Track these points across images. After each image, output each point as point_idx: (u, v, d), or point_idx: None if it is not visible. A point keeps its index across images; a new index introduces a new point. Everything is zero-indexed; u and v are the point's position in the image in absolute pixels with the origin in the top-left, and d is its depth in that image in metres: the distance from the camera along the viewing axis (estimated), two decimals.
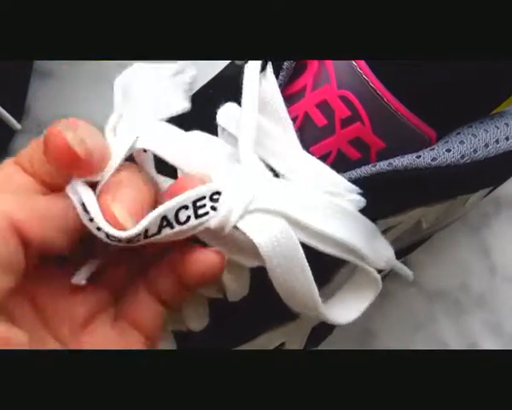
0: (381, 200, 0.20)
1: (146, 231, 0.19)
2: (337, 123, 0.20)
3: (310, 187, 0.20)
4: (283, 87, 0.21)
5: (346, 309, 0.21)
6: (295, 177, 0.20)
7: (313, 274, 0.20)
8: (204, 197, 0.19)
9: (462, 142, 0.20)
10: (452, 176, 0.20)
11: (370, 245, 0.20)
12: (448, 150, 0.20)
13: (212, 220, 0.19)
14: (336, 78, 0.20)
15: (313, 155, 0.21)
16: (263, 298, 0.21)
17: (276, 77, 0.21)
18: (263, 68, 0.21)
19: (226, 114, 0.21)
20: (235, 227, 0.20)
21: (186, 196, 0.19)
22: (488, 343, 0.32)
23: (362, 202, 0.20)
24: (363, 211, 0.20)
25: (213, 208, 0.19)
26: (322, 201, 0.20)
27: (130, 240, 0.19)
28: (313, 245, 0.20)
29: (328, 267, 0.22)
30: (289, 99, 0.21)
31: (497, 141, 0.20)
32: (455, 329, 0.32)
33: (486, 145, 0.20)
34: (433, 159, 0.20)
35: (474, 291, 0.32)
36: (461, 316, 0.32)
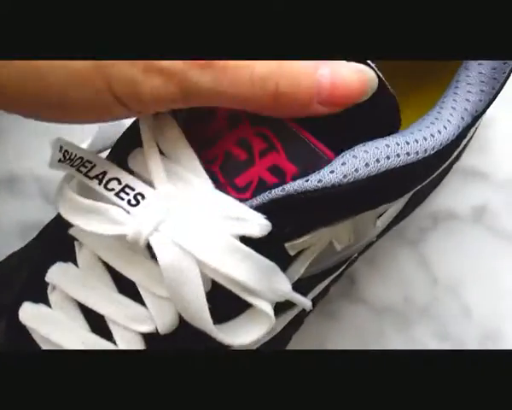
0: (282, 223, 0.22)
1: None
2: (256, 155, 0.22)
3: (216, 220, 0.21)
4: (197, 133, 0.22)
5: (237, 336, 0.23)
6: (201, 209, 0.21)
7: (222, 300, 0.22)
8: (134, 189, 0.21)
9: (343, 163, 0.21)
10: (338, 196, 0.21)
11: (264, 282, 0.22)
12: (332, 172, 0.21)
13: (129, 231, 0.21)
14: (247, 117, 0.22)
15: (238, 185, 0.22)
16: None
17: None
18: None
19: (135, 158, 0.23)
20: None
21: (126, 177, 0.22)
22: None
23: (268, 225, 0.21)
24: (270, 235, 0.21)
25: (129, 202, 0.21)
26: (224, 240, 0.21)
27: None
28: (213, 278, 0.21)
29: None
30: (207, 142, 0.22)
31: (377, 160, 0.21)
32: (404, 342, 0.33)
33: (367, 165, 0.21)
34: (319, 181, 0.21)
35: (418, 303, 0.33)
36: (409, 328, 0.33)
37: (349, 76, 0.20)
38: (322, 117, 0.21)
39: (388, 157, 0.21)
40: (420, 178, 0.24)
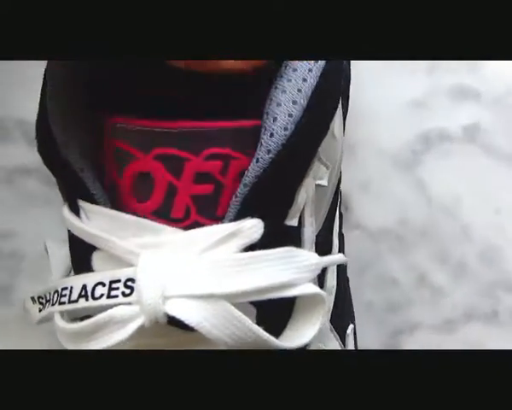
0: (269, 206, 0.21)
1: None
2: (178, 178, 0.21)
3: (210, 249, 0.20)
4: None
5: (303, 335, 0.22)
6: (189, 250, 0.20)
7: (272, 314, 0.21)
8: (119, 280, 0.20)
9: (275, 119, 0.20)
10: (297, 144, 0.20)
11: (293, 269, 0.21)
12: (271, 135, 0.20)
13: (143, 319, 0.20)
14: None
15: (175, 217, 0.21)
16: None
17: None
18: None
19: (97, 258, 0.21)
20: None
21: (105, 274, 0.20)
22: (437, 273, 0.33)
23: (259, 222, 0.20)
24: (267, 226, 0.20)
25: (124, 294, 0.20)
26: (232, 260, 0.20)
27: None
28: (246, 300, 0.20)
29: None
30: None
31: (303, 79, 0.21)
32: (401, 264, 0.33)
33: (294, 102, 0.20)
34: (269, 151, 0.20)
35: (415, 226, 0.33)
36: (405, 251, 0.33)
37: None
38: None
39: (305, 79, 0.21)
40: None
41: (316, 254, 0.21)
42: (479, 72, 0.34)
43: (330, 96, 0.21)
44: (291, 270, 0.20)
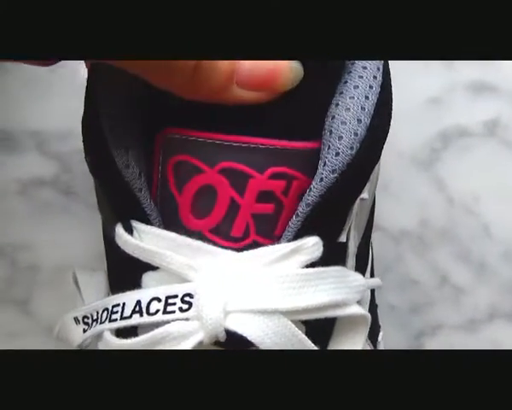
0: (327, 224, 0.21)
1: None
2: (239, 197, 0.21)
3: (271, 266, 0.20)
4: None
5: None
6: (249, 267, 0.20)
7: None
8: (176, 296, 0.20)
9: (340, 137, 0.20)
10: (358, 164, 0.20)
11: (344, 289, 0.21)
12: (337, 154, 0.20)
13: (202, 335, 0.19)
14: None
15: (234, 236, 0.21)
16: None
17: None
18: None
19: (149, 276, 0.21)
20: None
21: (161, 290, 0.20)
22: (459, 273, 0.33)
23: (319, 241, 0.20)
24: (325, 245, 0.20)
25: (181, 309, 0.19)
26: (292, 276, 0.20)
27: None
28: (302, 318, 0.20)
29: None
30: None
31: (366, 97, 0.20)
32: (423, 265, 0.32)
33: (359, 120, 0.20)
34: (333, 170, 0.20)
35: (435, 225, 0.32)
36: (427, 252, 0.32)
37: (270, 62, 0.20)
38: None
39: (367, 97, 0.20)
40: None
41: (361, 275, 0.21)
42: (496, 65, 0.33)
43: (388, 112, 0.21)
44: (344, 289, 0.20)
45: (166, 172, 0.21)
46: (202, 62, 0.19)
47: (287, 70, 0.20)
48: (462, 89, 0.33)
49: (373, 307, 0.26)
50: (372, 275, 0.28)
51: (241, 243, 0.21)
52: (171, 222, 0.21)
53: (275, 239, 0.21)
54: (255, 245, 0.20)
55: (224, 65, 0.19)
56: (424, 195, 0.33)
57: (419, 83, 0.33)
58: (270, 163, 0.20)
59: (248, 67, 0.19)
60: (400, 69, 0.32)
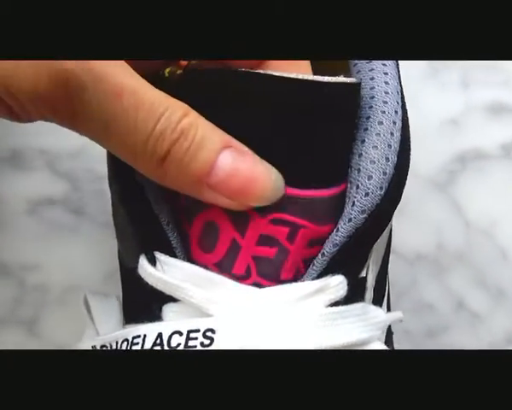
0: (351, 263, 0.20)
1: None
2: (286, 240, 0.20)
3: (293, 304, 0.20)
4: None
5: None
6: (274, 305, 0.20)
7: None
8: (198, 330, 0.19)
9: (369, 177, 0.20)
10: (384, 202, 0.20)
11: (367, 327, 0.20)
12: (366, 194, 0.20)
13: None
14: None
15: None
16: None
17: None
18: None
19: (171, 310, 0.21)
20: None
21: (183, 323, 0.19)
22: (476, 298, 0.32)
23: (343, 280, 0.20)
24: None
25: (202, 344, 0.19)
26: (318, 315, 0.19)
27: None
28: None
29: None
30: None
31: (389, 145, 0.20)
32: (439, 289, 0.32)
33: (387, 159, 0.20)
34: (363, 209, 0.20)
35: (451, 249, 0.32)
36: (443, 276, 0.32)
37: (249, 171, 0.19)
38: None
39: (392, 133, 0.20)
40: None
41: (381, 311, 0.21)
42: (511, 86, 0.33)
43: (408, 146, 0.21)
44: (367, 326, 0.20)
45: (178, 206, 0.21)
46: (172, 156, 0.18)
47: (266, 182, 0.19)
48: (478, 110, 0.32)
49: (389, 335, 0.25)
50: (388, 301, 0.27)
51: (244, 282, 0.20)
52: (186, 255, 0.21)
53: (281, 283, 0.20)
54: (257, 287, 0.20)
55: (198, 163, 0.18)
56: (440, 218, 0.32)
57: (435, 105, 0.32)
58: (272, 209, 0.20)
59: (227, 172, 0.18)
60: (417, 91, 0.32)
